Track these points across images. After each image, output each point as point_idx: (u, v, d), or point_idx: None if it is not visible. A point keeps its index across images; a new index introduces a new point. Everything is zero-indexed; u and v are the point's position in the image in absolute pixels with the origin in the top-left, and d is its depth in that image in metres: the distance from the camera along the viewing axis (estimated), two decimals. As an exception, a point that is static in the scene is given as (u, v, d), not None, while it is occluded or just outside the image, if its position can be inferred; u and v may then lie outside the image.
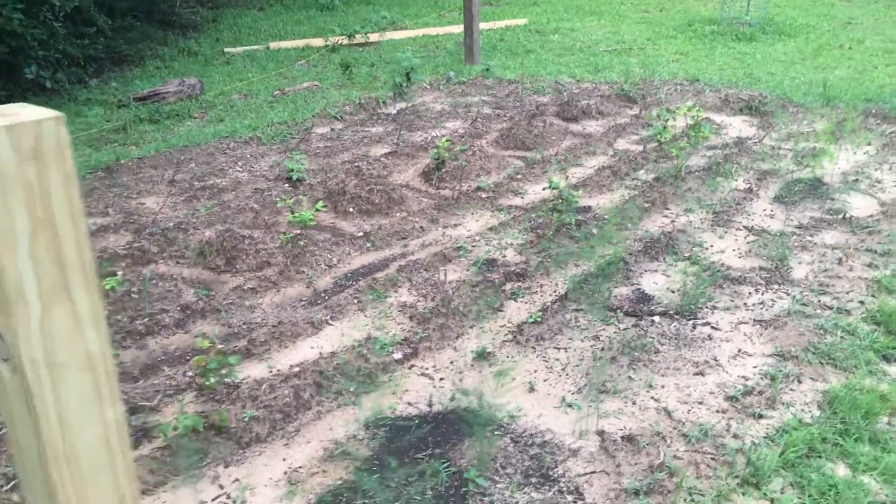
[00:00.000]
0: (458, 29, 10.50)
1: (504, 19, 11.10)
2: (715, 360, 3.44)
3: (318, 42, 9.90)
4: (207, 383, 2.92)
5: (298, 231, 4.57)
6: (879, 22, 10.54)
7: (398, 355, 3.55)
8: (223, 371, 2.86)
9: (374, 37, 10.04)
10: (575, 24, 10.81)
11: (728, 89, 7.50)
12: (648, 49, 9.37)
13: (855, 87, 7.46)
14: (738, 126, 6.63)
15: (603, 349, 3.55)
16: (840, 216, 4.80)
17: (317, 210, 4.60)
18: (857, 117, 6.61)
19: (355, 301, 3.98)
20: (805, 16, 10.94)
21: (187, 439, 2.94)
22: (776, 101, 7.07)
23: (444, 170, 5.57)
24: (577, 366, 3.44)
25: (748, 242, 4.53)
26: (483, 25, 10.66)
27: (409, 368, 3.47)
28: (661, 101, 7.27)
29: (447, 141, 5.38)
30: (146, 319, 3.79)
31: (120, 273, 4.21)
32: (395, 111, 7.31)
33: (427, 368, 3.46)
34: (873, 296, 3.89)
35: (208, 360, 2.82)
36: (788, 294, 3.94)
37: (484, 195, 5.34)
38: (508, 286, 4.16)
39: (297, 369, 3.38)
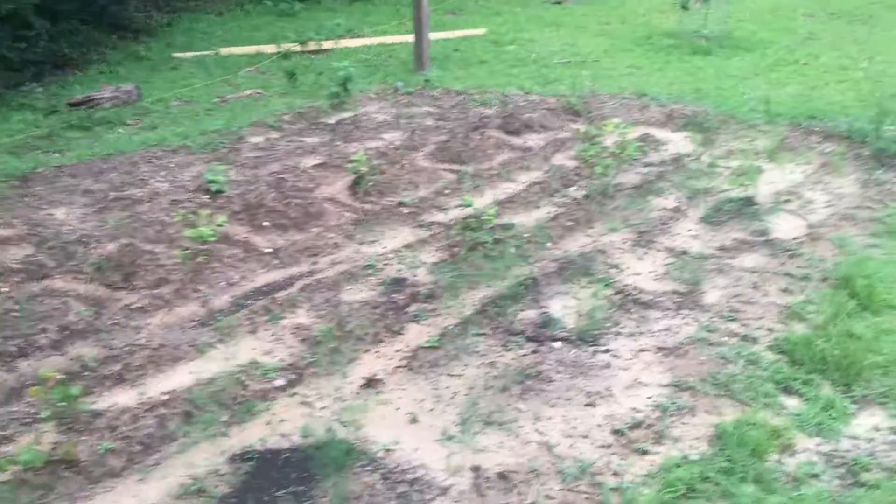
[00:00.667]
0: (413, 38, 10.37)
1: (463, 29, 10.98)
2: (608, 390, 3.30)
3: (270, 49, 9.74)
4: (43, 416, 2.74)
5: (203, 246, 4.40)
6: (838, 38, 10.49)
7: (280, 382, 3.39)
8: (62, 403, 2.69)
9: (328, 44, 9.90)
10: (534, 35, 10.71)
11: (674, 104, 7.40)
12: (603, 62, 9.27)
13: (803, 103, 7.37)
14: (678, 142, 6.52)
15: (496, 377, 3.41)
16: (763, 238, 4.69)
17: (218, 225, 4.43)
18: (798, 135, 6.52)
19: (248, 322, 3.82)
20: (765, 30, 10.88)
21: (33, 474, 2.76)
22: (720, 117, 6.97)
23: (370, 183, 5.42)
24: (467, 395, 3.29)
25: (666, 265, 4.40)
26: (440, 35, 10.53)
27: (291, 396, 3.31)
28: (605, 116, 7.15)
29: (364, 155, 5.23)
30: (21, 340, 3.61)
31: (6, 289, 4.03)
32: (335, 121, 7.16)
33: (309, 396, 3.31)
34: (783, 323, 3.77)
35: (48, 391, 2.65)
36: (697, 320, 3.81)
37: (406, 211, 5.19)
38: (413, 307, 4.01)
39: (167, 397, 3.21)
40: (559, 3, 13.09)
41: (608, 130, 5.16)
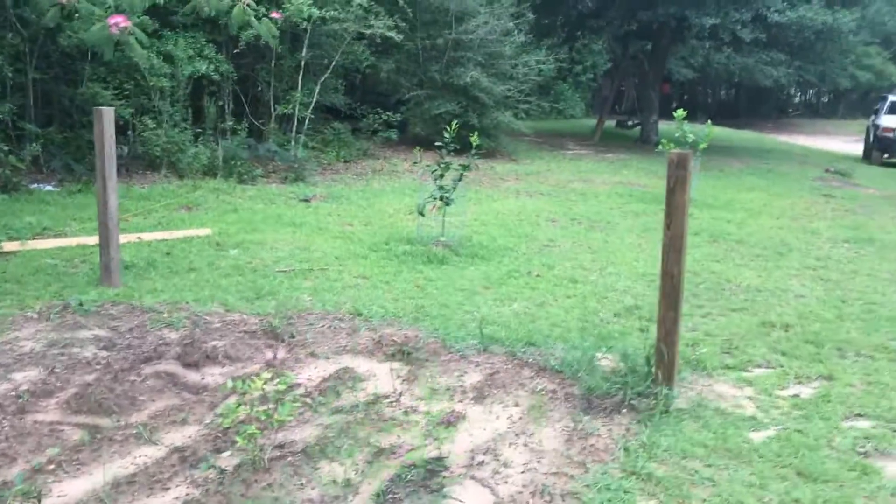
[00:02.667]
0: (128, 238, 9.19)
1: (187, 228, 9.95)
2: None
3: (-67, 250, 8.12)
4: None
5: None
6: (576, 245, 10.54)
7: None
8: None
9: (11, 245, 8.44)
10: (266, 237, 9.87)
11: (387, 328, 6.62)
12: (332, 270, 8.51)
13: (526, 324, 6.88)
14: (380, 378, 5.65)
15: None
16: (436, 531, 3.75)
17: None
18: (511, 368, 5.88)
19: None
20: (506, 236, 10.77)
21: None
22: (432, 344, 6.25)
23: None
24: None
25: (301, 585, 3.30)
26: (156, 235, 9.45)
27: None
28: (307, 343, 6.22)
29: None
30: None
31: None
32: (-43, 354, 5.66)
33: None
34: None
35: None
36: None
37: (-33, 506, 3.79)
38: None
39: None
40: (307, 200, 12.53)
41: (257, 386, 4.13)
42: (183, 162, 13.14)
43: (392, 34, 15.67)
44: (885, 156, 25.93)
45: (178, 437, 4.64)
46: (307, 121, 15.65)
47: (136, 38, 7.34)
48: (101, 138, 7.07)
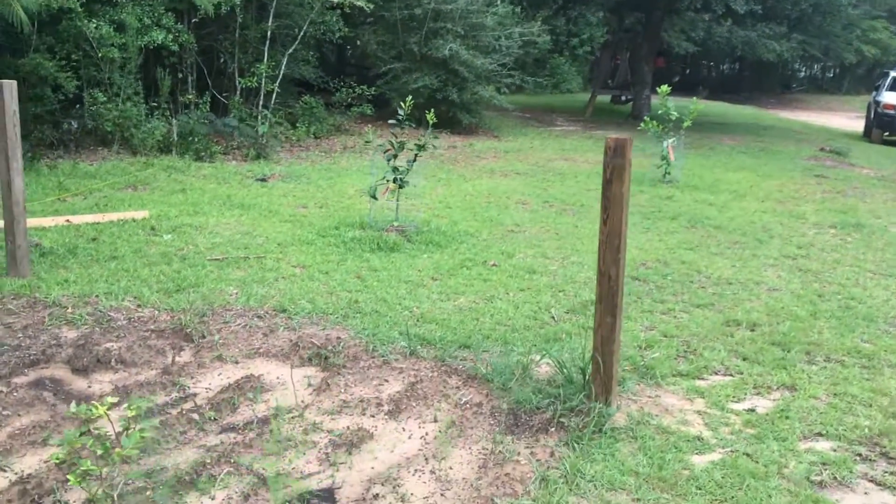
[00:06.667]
0: (56, 221, 8.59)
1: (125, 210, 9.32)
2: None
3: None
4: None
5: None
6: (542, 231, 9.90)
7: None
8: None
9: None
10: (208, 220, 9.23)
11: (310, 327, 6.02)
12: (270, 258, 7.88)
13: (468, 323, 6.26)
14: (288, 387, 5.05)
15: None
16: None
17: None
18: (437, 376, 5.28)
19: None
20: (470, 220, 10.12)
21: None
22: (354, 347, 5.64)
23: None
24: None
25: None
26: (89, 218, 8.82)
27: None
28: (217, 344, 5.62)
29: None
30: None
31: None
32: None
33: None
34: None
35: None
36: None
37: None
38: None
39: None
40: (264, 179, 11.87)
41: (99, 413, 3.50)
42: (137, 137, 12.47)
43: (361, 3, 14.89)
44: (886, 134, 25.13)
45: (33, 461, 4.06)
46: (274, 94, 14.94)
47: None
48: (2, 114, 6.41)
